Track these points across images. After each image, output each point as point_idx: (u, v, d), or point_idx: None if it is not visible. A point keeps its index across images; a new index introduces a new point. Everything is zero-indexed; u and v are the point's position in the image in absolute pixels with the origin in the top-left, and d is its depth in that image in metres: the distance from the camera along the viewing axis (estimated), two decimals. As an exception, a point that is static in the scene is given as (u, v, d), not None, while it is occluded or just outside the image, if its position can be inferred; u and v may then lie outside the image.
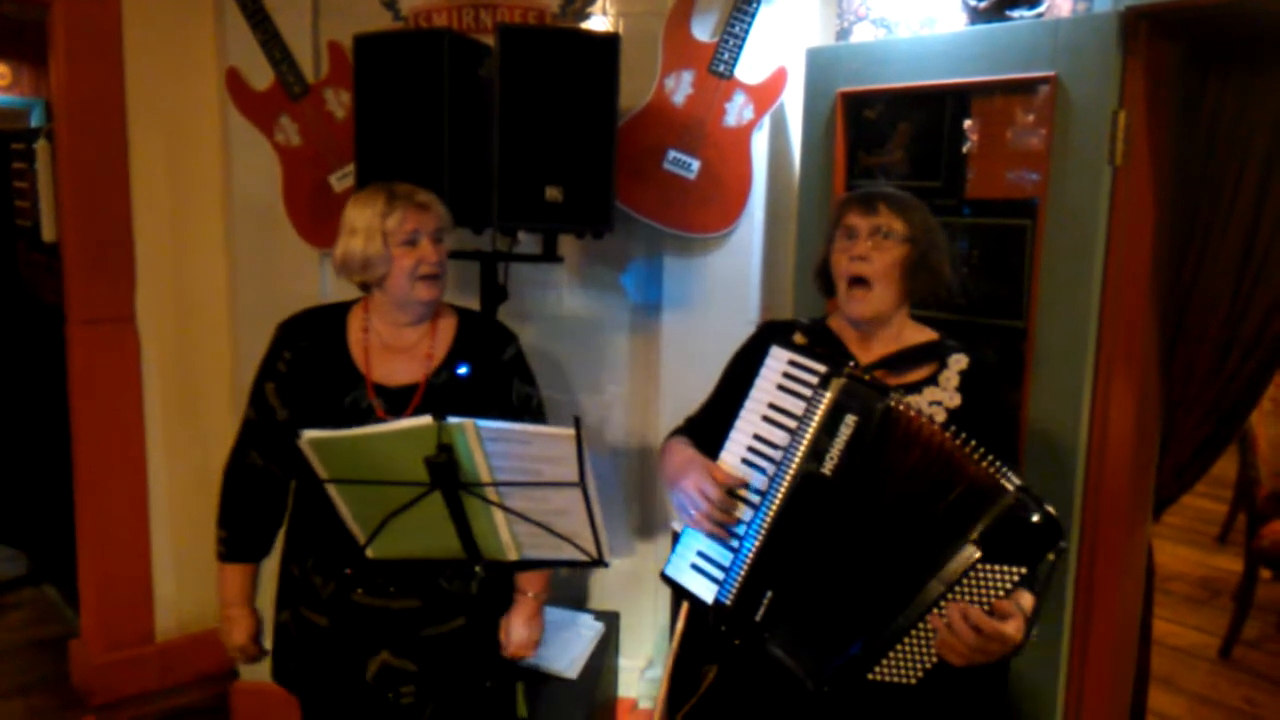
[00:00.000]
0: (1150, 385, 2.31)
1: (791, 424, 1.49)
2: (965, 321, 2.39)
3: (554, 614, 2.82)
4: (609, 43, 2.24)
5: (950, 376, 1.64)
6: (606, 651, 2.78)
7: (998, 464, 1.38)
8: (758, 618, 1.47)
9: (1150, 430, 2.36)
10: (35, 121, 5.75)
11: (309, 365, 1.83)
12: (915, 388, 1.64)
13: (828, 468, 1.44)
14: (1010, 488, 1.36)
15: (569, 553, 1.60)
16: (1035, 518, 1.33)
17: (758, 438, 1.54)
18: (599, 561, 1.60)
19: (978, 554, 1.36)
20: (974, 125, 2.34)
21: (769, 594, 1.46)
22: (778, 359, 1.54)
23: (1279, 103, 2.14)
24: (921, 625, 1.40)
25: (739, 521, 1.51)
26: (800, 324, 1.78)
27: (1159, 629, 3.66)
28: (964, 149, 2.35)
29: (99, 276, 2.99)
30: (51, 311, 3.32)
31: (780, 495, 1.46)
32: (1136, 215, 2.14)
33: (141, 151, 3.02)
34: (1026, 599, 1.41)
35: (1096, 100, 2.07)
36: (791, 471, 1.46)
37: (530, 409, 1.93)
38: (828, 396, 1.46)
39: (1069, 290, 2.14)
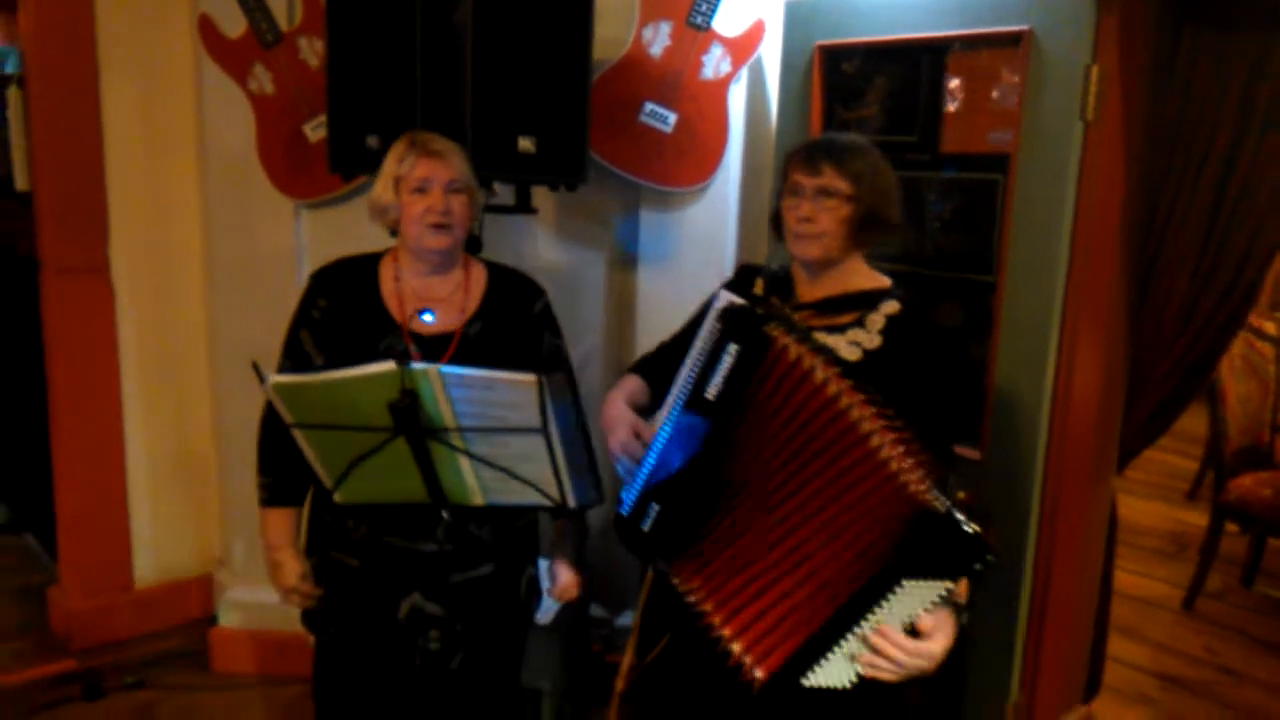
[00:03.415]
0: (1118, 339, 2.34)
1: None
2: (937, 276, 2.41)
3: (529, 563, 2.86)
4: (583, -10, 2.22)
5: (876, 320, 1.65)
6: (581, 600, 2.82)
7: (915, 450, 1.34)
8: (645, 528, 1.51)
9: (1116, 384, 2.39)
10: (10, 69, 5.66)
11: (344, 312, 1.85)
12: (840, 329, 1.64)
13: (711, 393, 1.46)
14: (932, 500, 1.30)
15: (534, 498, 1.63)
16: (968, 529, 1.28)
17: None
18: (563, 507, 1.63)
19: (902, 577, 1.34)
20: (949, 80, 2.33)
21: (656, 508, 1.50)
22: (719, 300, 1.57)
23: (1250, 61, 2.14)
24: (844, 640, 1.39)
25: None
26: (767, 270, 1.81)
27: (1126, 581, 3.75)
28: (939, 104, 2.35)
29: (71, 226, 2.97)
30: (25, 262, 3.30)
31: (672, 417, 1.50)
32: (1107, 171, 2.15)
33: (114, 100, 2.98)
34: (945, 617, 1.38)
35: (1070, 55, 2.07)
36: (686, 396, 1.50)
37: (559, 360, 1.97)
38: (718, 326, 1.49)
39: (1038, 246, 2.16)
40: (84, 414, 3.09)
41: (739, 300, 1.49)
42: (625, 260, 2.86)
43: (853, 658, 1.39)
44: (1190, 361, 2.36)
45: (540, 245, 2.87)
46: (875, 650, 1.36)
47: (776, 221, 1.74)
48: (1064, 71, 2.07)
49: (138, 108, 3.03)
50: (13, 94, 3.43)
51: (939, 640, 1.36)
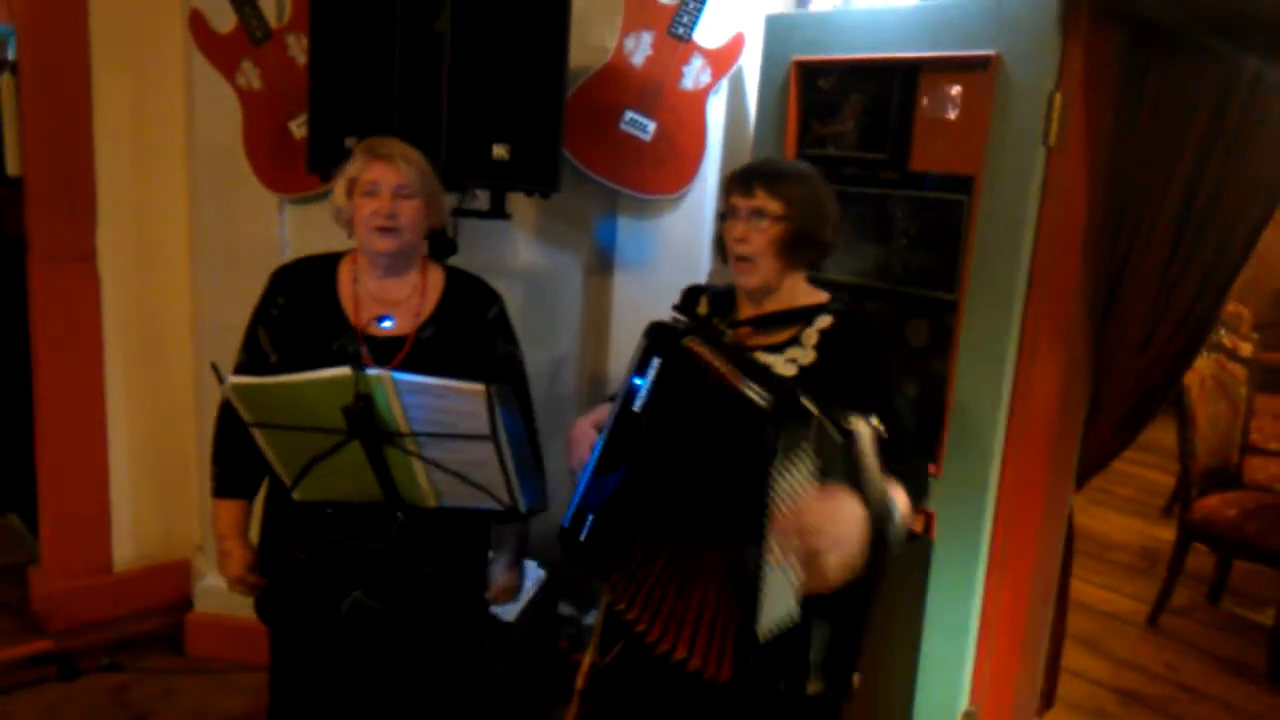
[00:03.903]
0: (1077, 359, 2.38)
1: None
2: (905, 293, 2.45)
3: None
4: (560, 3, 2.26)
5: (811, 335, 1.71)
6: (549, 598, 2.88)
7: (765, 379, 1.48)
8: (582, 539, 1.60)
9: (1075, 403, 2.43)
10: (13, 49, 5.69)
11: (300, 312, 1.89)
12: (779, 348, 1.70)
13: (638, 406, 1.56)
14: (757, 397, 1.43)
15: (486, 502, 1.67)
16: (763, 404, 1.43)
17: None
18: (514, 512, 1.68)
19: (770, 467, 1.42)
20: (920, 100, 2.37)
21: (591, 518, 1.59)
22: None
23: (1215, 88, 2.18)
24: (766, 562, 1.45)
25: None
26: (712, 289, 1.88)
27: (1093, 595, 3.79)
28: (909, 123, 2.39)
29: (60, 213, 3.02)
30: (13, 244, 3.34)
31: (605, 432, 1.60)
32: (1069, 195, 2.19)
33: (105, 90, 3.03)
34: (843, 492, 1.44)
35: (1035, 81, 2.10)
36: (617, 410, 1.60)
37: (513, 367, 1.99)
38: (643, 342, 1.61)
39: (998, 266, 2.20)
40: (67, 398, 3.14)
41: (664, 319, 1.57)
42: (602, 265, 2.90)
43: (784, 573, 1.42)
44: (1151, 382, 2.40)
45: (519, 249, 2.91)
46: (788, 542, 1.40)
47: (720, 244, 1.80)
48: (1028, 97, 2.11)
49: (128, 99, 3.07)
50: (5, 80, 3.47)
51: (840, 497, 1.41)
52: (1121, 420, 2.45)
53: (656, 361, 1.55)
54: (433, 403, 1.53)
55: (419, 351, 1.86)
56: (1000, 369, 2.21)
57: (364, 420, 1.54)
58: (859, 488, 1.43)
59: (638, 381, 1.58)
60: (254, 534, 2.00)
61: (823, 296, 1.78)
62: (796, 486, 1.42)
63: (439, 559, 1.91)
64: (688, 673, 1.54)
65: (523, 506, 1.66)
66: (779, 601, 1.43)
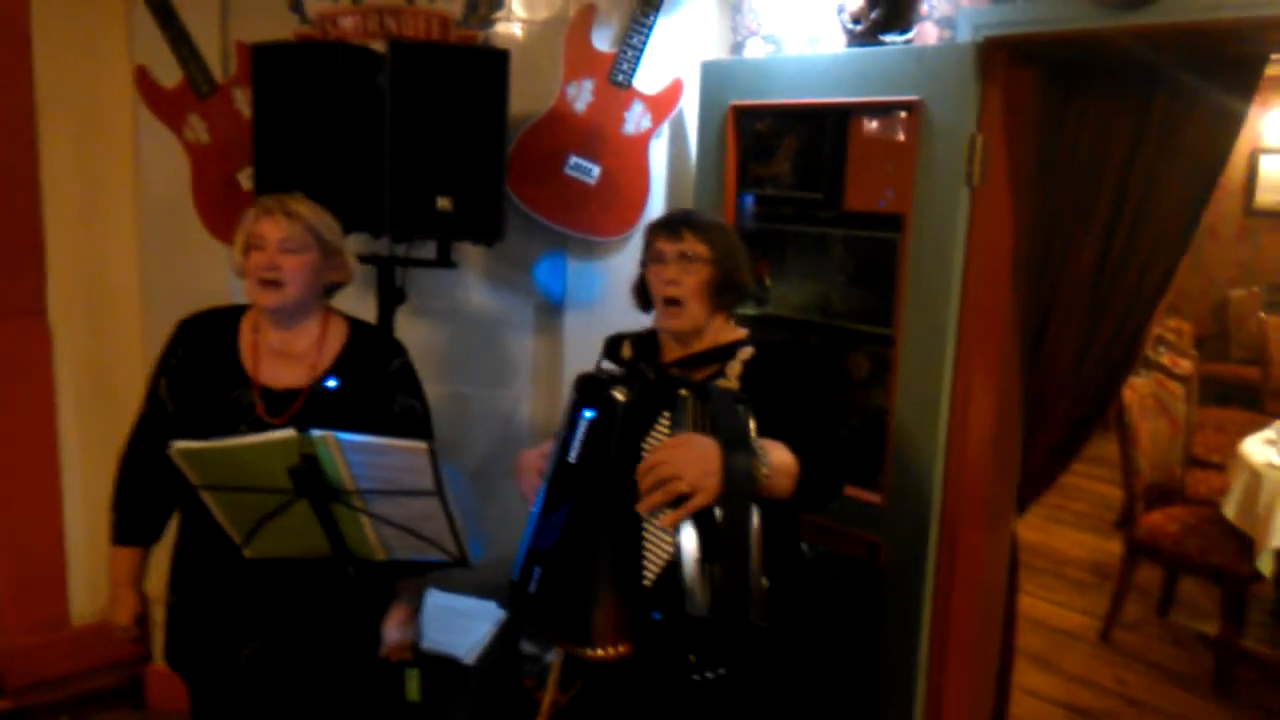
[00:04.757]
0: (1011, 388, 2.46)
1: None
2: (843, 328, 2.52)
3: (459, 601, 2.92)
4: (498, 58, 2.32)
5: (734, 367, 1.79)
6: (510, 638, 2.89)
7: None
8: (531, 590, 1.65)
9: (1012, 430, 2.51)
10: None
11: (199, 362, 1.92)
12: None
13: (572, 457, 1.64)
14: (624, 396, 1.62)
15: (434, 554, 1.70)
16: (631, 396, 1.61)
17: None
18: (462, 562, 1.71)
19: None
20: (851, 142, 2.45)
21: (538, 570, 1.64)
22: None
23: (1132, 122, 2.28)
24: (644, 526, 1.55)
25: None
26: (633, 335, 1.96)
27: (1045, 612, 3.87)
28: (842, 164, 2.47)
29: (9, 270, 3.01)
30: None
31: (544, 483, 1.67)
32: (994, 232, 2.27)
33: (51, 146, 3.03)
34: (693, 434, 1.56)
35: (956, 124, 2.19)
36: (554, 462, 1.67)
37: (412, 420, 2.00)
38: (573, 395, 1.69)
39: (930, 301, 2.28)
40: (20, 452, 3.12)
41: (590, 371, 1.63)
42: (551, 306, 2.94)
43: (653, 516, 1.52)
44: (1083, 407, 2.49)
45: (470, 293, 2.95)
46: (646, 480, 1.50)
47: (641, 290, 1.87)
48: (951, 139, 2.20)
49: (75, 154, 3.07)
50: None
51: (689, 436, 1.52)
52: (1057, 444, 2.53)
53: (587, 413, 1.60)
54: (377, 460, 1.56)
55: (314, 404, 1.88)
56: (937, 399, 2.29)
57: (310, 479, 1.57)
58: (711, 431, 1.54)
59: (570, 432, 1.64)
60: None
61: (741, 332, 1.87)
62: (655, 442, 1.57)
63: (342, 609, 1.93)
64: (609, 668, 1.64)
65: (470, 558, 1.69)
66: (657, 546, 1.53)
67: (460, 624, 2.78)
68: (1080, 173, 2.37)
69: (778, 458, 1.55)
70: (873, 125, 2.41)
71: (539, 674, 3.12)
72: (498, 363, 3.00)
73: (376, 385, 1.97)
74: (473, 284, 2.96)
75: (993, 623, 2.62)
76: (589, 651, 1.64)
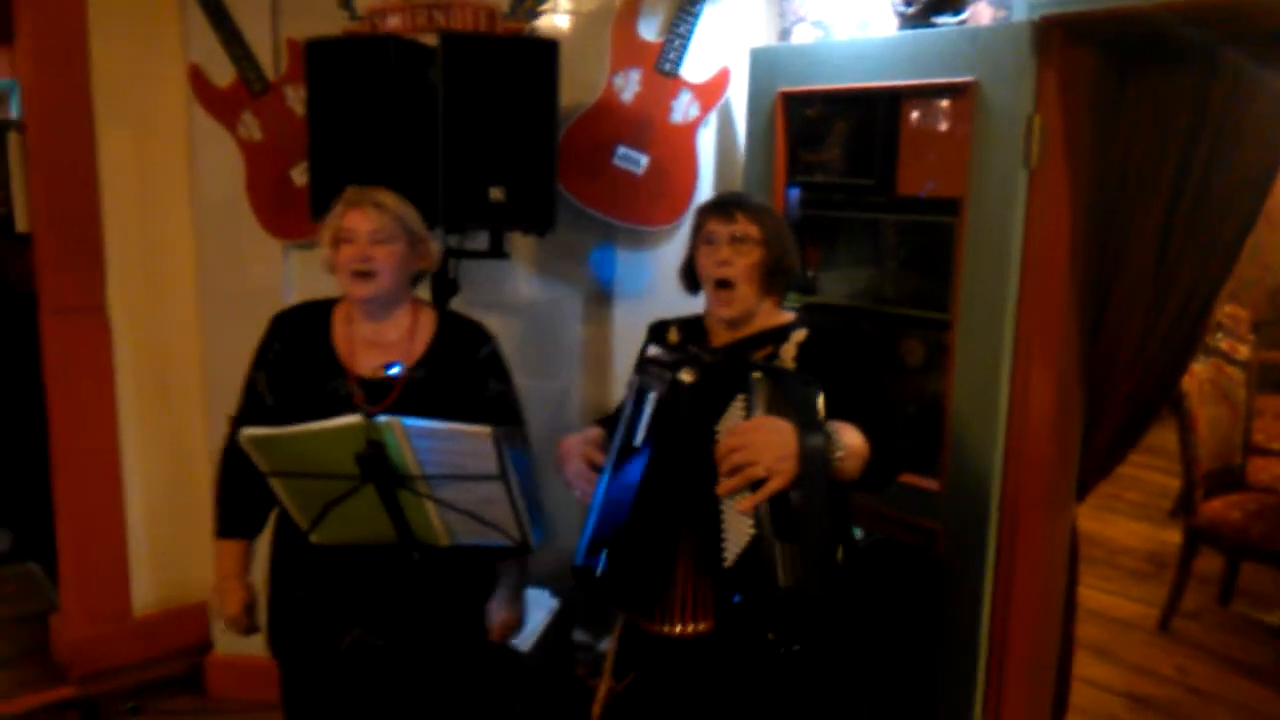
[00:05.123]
0: (1071, 372, 2.42)
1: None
2: (897, 314, 2.50)
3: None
4: (548, 48, 2.33)
5: (789, 349, 1.78)
6: (563, 626, 2.91)
7: None
8: (598, 574, 1.63)
9: (1072, 416, 2.47)
10: (15, 102, 5.77)
11: (296, 356, 1.96)
12: None
13: (638, 440, 1.63)
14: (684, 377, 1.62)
15: (497, 539, 1.72)
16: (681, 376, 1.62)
17: None
18: (524, 547, 1.72)
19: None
20: (904, 126, 2.43)
21: (605, 553, 1.63)
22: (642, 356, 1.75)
23: (1194, 89, 2.22)
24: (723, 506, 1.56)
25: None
26: (679, 320, 1.96)
27: (1103, 602, 3.81)
28: (894, 149, 2.45)
29: (70, 267, 3.08)
30: (25, 300, 3.41)
31: (609, 466, 1.67)
32: (1052, 214, 2.24)
33: (110, 145, 3.09)
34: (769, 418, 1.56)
35: (1013, 105, 2.16)
36: (619, 445, 1.66)
37: (505, 405, 2.03)
38: (636, 378, 1.69)
39: (988, 285, 2.25)
40: (82, 446, 3.19)
41: (656, 351, 1.62)
42: (601, 296, 2.95)
43: (732, 501, 1.53)
44: (1145, 393, 2.44)
45: (519, 285, 2.96)
46: (724, 465, 1.51)
47: (689, 272, 1.86)
48: (1008, 121, 2.17)
49: (132, 152, 3.14)
50: (13, 138, 3.55)
51: (765, 419, 1.52)
52: (1119, 430, 2.49)
53: (652, 396, 1.60)
54: (442, 446, 1.58)
55: (409, 393, 1.91)
56: (996, 385, 2.26)
57: (376, 465, 1.59)
58: (787, 415, 1.53)
59: (636, 414, 1.64)
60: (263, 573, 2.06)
61: (790, 316, 1.86)
62: (731, 425, 1.57)
63: (443, 597, 1.96)
64: (685, 645, 1.67)
65: (533, 542, 1.71)
66: (738, 529, 1.53)
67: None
68: (1139, 153, 2.33)
69: (849, 439, 1.56)
70: (925, 109, 2.39)
71: (591, 662, 3.14)
72: (547, 352, 3.01)
73: (468, 372, 1.99)
74: (522, 275, 2.97)
75: (1053, 611, 2.58)
76: (668, 629, 1.66)
